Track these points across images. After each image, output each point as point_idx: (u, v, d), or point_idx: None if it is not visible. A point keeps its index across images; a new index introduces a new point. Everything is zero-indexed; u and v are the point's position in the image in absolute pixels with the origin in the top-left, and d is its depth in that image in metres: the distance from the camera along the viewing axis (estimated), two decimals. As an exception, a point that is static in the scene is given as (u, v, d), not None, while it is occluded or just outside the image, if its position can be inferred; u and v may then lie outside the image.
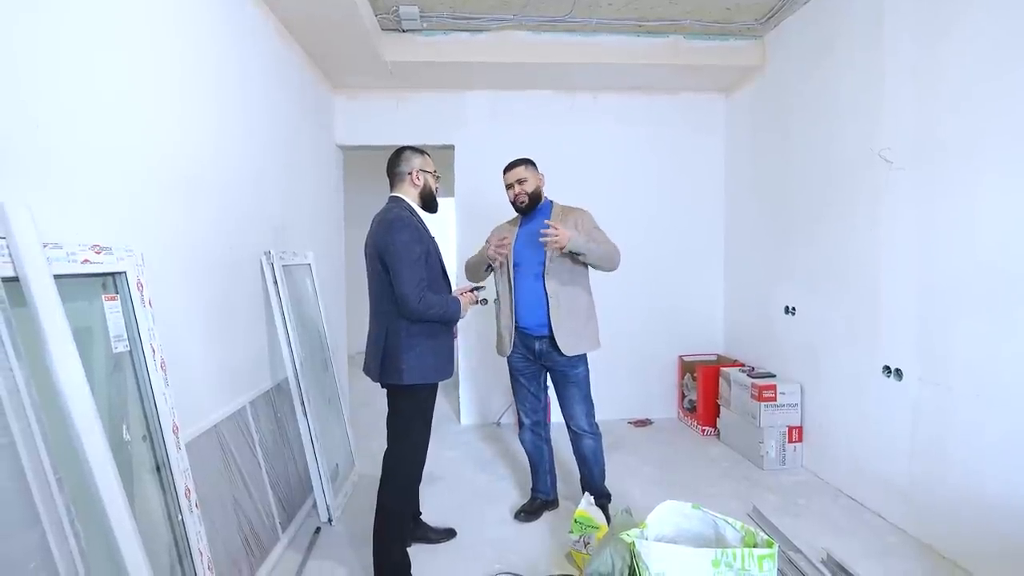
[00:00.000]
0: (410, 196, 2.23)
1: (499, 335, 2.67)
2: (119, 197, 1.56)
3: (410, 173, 2.22)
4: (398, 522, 2.18)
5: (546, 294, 2.49)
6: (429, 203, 2.29)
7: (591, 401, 2.64)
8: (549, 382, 2.72)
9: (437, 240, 2.26)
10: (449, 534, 2.54)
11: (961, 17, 2.23)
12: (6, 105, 1.19)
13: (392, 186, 2.26)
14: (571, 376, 2.57)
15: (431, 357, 2.14)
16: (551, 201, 2.64)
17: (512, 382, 2.73)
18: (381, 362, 2.12)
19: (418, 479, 2.36)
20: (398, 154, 2.25)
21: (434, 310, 2.07)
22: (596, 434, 2.64)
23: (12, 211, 1.08)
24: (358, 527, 2.59)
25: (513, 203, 2.60)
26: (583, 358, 2.58)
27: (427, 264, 2.11)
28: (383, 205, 2.22)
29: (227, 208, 2.24)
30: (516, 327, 2.58)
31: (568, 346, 2.48)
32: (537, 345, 2.56)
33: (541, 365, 2.63)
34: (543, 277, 2.50)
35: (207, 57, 2.10)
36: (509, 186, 2.57)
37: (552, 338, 2.49)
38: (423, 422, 2.23)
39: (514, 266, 2.58)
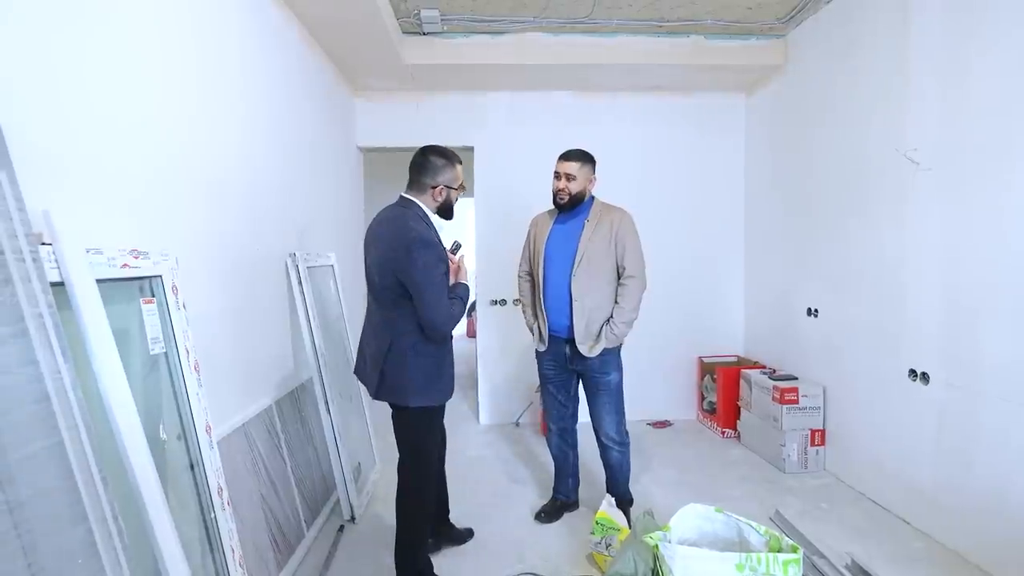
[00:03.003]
0: (427, 205, 2.10)
1: (538, 332, 2.60)
2: (151, 201, 1.60)
3: (433, 187, 2.09)
4: (420, 528, 2.19)
5: (570, 297, 2.46)
6: (445, 212, 2.17)
7: (622, 411, 2.57)
8: (580, 390, 2.67)
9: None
10: (468, 534, 2.56)
11: (991, 14, 2.19)
12: (49, 115, 1.23)
13: (410, 185, 2.12)
14: (602, 384, 2.52)
15: (438, 379, 2.09)
16: (593, 197, 2.55)
17: (541, 388, 2.72)
18: (381, 376, 2.06)
19: (433, 487, 2.27)
20: (426, 158, 2.09)
21: (458, 316, 2.04)
22: (624, 444, 2.60)
23: (57, 218, 1.12)
24: (381, 525, 2.63)
25: (554, 196, 2.51)
26: (616, 364, 2.52)
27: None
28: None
29: (253, 210, 2.28)
30: (548, 329, 2.55)
31: (586, 347, 2.45)
32: (567, 349, 2.53)
33: (572, 371, 2.59)
34: (570, 279, 2.46)
35: (233, 61, 2.13)
36: (557, 176, 2.48)
37: (574, 341, 2.47)
38: (434, 437, 2.24)
39: (544, 263, 2.54)
